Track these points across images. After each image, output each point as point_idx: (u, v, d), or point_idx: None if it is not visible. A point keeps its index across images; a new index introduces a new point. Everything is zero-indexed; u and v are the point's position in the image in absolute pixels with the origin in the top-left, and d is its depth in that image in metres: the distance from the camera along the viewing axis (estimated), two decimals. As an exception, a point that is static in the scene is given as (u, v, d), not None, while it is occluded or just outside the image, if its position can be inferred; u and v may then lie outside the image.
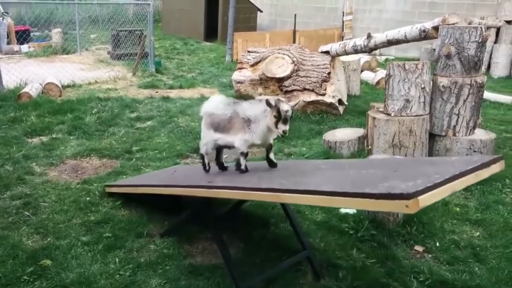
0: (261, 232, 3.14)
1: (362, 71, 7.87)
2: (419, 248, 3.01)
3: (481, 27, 4.01)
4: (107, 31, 10.22)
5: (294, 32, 10.63)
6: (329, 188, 1.77)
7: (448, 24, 4.23)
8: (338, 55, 5.83)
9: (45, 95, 6.50)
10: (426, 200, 1.49)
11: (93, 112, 5.85)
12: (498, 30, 9.20)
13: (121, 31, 9.31)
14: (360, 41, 5.36)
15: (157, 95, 6.95)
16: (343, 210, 3.39)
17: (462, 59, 4.00)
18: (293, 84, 5.86)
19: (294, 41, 10.17)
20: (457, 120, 4.08)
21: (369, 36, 5.23)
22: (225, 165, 2.88)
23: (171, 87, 7.50)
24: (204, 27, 13.18)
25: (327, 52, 5.89)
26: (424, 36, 4.63)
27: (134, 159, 4.42)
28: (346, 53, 5.70)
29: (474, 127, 4.15)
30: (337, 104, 5.80)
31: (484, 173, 1.79)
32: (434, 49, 7.99)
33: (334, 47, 5.81)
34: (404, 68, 4.00)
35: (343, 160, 2.50)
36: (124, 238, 3.02)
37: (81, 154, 4.51)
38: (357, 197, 1.60)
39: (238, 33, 10.19)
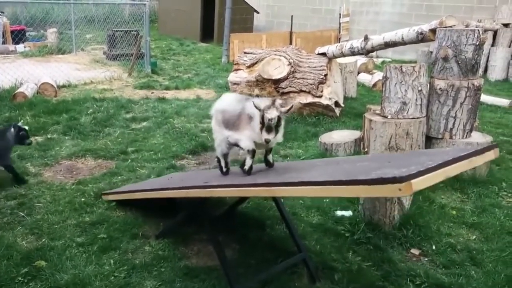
0: (257, 234, 3.12)
1: (358, 73, 7.88)
2: (415, 251, 3.01)
3: (478, 30, 4.02)
4: (103, 31, 10.19)
5: (291, 33, 10.63)
6: (323, 178, 1.75)
7: (445, 27, 4.24)
8: (335, 57, 5.83)
9: (40, 95, 6.46)
10: (419, 183, 1.47)
11: (88, 112, 5.82)
12: (495, 33, 9.24)
13: (117, 31, 9.28)
14: (357, 43, 5.36)
15: (152, 96, 6.92)
16: (339, 213, 3.38)
17: (459, 62, 4.00)
18: (290, 86, 5.85)
19: (290, 43, 10.17)
20: (453, 123, 4.09)
21: (366, 38, 5.23)
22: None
23: (167, 88, 7.48)
24: (200, 27, 13.16)
25: (323, 54, 5.89)
26: (421, 38, 4.64)
27: (129, 160, 4.39)
28: (343, 55, 5.70)
29: (470, 130, 4.15)
30: (333, 106, 5.80)
31: (478, 160, 1.78)
32: (431, 52, 8.01)
33: (331, 49, 5.81)
34: (401, 71, 4.00)
35: (339, 157, 2.50)
36: (119, 239, 2.99)
37: (76, 154, 4.48)
38: (350, 184, 1.57)
39: (235, 34, 10.18)
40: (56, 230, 3.08)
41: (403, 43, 4.88)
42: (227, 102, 2.59)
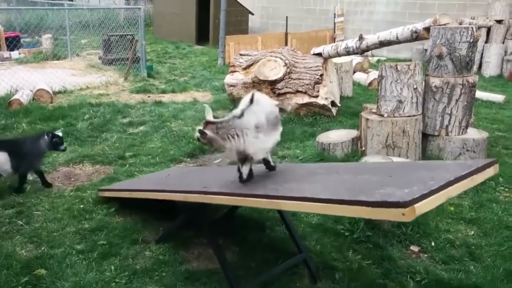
0: (256, 236, 3.13)
1: (354, 72, 7.90)
2: (414, 248, 3.02)
3: (472, 27, 4.04)
4: (98, 36, 10.18)
5: (286, 34, 10.65)
6: (326, 195, 1.77)
7: (439, 25, 4.26)
8: (330, 57, 5.85)
9: (36, 101, 6.45)
10: (422, 207, 1.50)
11: (85, 118, 5.81)
12: (488, 29, 9.29)
13: (112, 36, 9.27)
14: (352, 43, 5.38)
15: (149, 99, 6.92)
16: (338, 212, 3.39)
17: (454, 59, 4.03)
18: (286, 87, 5.86)
19: (286, 44, 10.19)
20: (449, 120, 4.11)
21: (361, 38, 5.25)
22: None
23: (164, 92, 7.48)
24: (195, 30, 13.17)
25: (319, 54, 5.91)
26: (415, 37, 4.66)
27: (127, 165, 4.39)
28: (338, 54, 5.72)
29: (466, 127, 4.18)
30: (330, 105, 5.82)
31: (479, 178, 1.81)
32: (426, 50, 8.04)
33: (326, 49, 5.83)
34: (396, 69, 4.02)
35: (338, 163, 2.49)
36: (119, 245, 2.99)
37: (74, 161, 4.47)
38: (354, 204, 1.60)
39: (230, 36, 10.19)
40: (55, 238, 3.08)
41: (397, 42, 4.91)
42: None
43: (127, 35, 9.30)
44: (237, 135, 2.21)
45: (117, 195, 3.43)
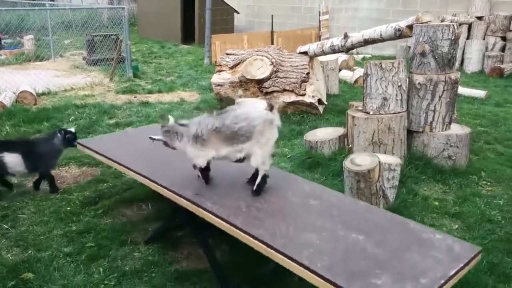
0: (246, 235, 3.14)
1: (340, 70, 7.97)
2: (401, 243, 3.07)
3: (453, 25, 4.11)
4: (82, 37, 10.05)
5: (272, 33, 10.67)
6: (322, 268, 1.88)
7: (421, 23, 4.33)
8: (316, 55, 5.89)
9: (19, 103, 6.35)
10: None
11: (70, 119, 5.75)
12: (469, 26, 9.45)
13: (96, 36, 9.17)
14: (337, 41, 5.42)
15: (135, 100, 6.87)
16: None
17: (436, 57, 4.10)
18: (273, 85, 5.89)
19: (272, 42, 10.21)
20: (433, 116, 4.18)
21: (346, 36, 5.30)
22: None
23: (150, 92, 7.43)
24: (181, 29, 13.09)
25: (305, 53, 5.94)
26: (399, 35, 4.73)
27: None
28: (324, 53, 5.76)
29: (450, 123, 4.26)
30: (317, 104, 5.86)
31: (465, 271, 1.96)
32: (409, 47, 8.16)
33: (312, 47, 5.86)
34: (381, 67, 4.07)
35: (334, 198, 2.46)
36: (108, 247, 2.98)
37: (60, 163, 4.40)
38: None
39: (216, 35, 10.17)
40: (42, 241, 3.05)
41: (381, 40, 4.97)
42: None
43: (111, 35, 9.20)
44: (178, 139, 2.60)
45: (96, 156, 3.33)
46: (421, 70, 4.19)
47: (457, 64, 7.19)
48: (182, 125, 2.60)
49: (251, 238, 2.15)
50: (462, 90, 6.72)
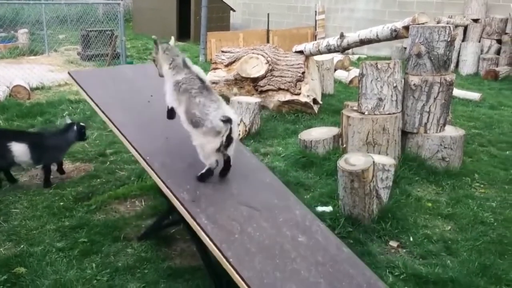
0: (239, 233, 3.14)
1: (335, 70, 7.98)
2: (393, 243, 3.09)
3: (449, 27, 4.14)
4: (76, 32, 9.98)
5: (268, 31, 10.66)
6: None
7: (418, 24, 4.34)
8: (312, 54, 5.90)
9: (12, 98, 6.29)
10: None
11: (64, 114, 5.70)
12: (465, 28, 9.51)
13: (91, 31, 9.11)
14: (333, 41, 5.43)
15: (130, 96, 6.83)
16: (319, 208, 3.44)
17: (432, 58, 4.12)
18: (268, 84, 5.89)
19: (268, 41, 10.20)
20: (428, 118, 4.20)
21: (342, 36, 5.31)
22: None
23: (145, 88, 7.39)
24: (176, 26, 13.03)
25: (301, 52, 5.94)
26: (395, 35, 4.74)
27: (108, 162, 4.34)
28: (319, 52, 5.77)
29: (444, 124, 4.28)
30: (312, 103, 5.87)
31: None
32: (405, 48, 8.19)
33: (308, 47, 5.87)
34: (377, 68, 4.08)
35: (321, 236, 2.44)
36: (101, 242, 2.97)
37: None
38: None
39: (212, 32, 10.14)
40: (34, 235, 3.03)
41: (377, 40, 4.98)
42: None
43: (106, 30, 9.15)
44: (171, 68, 2.60)
45: (86, 96, 3.03)
46: (417, 71, 4.21)
47: (452, 66, 7.24)
48: (184, 63, 2.63)
49: (240, 280, 2.11)
50: (457, 92, 6.77)
